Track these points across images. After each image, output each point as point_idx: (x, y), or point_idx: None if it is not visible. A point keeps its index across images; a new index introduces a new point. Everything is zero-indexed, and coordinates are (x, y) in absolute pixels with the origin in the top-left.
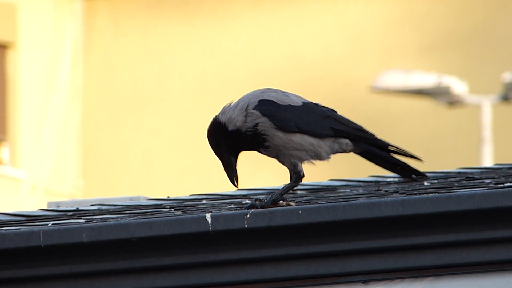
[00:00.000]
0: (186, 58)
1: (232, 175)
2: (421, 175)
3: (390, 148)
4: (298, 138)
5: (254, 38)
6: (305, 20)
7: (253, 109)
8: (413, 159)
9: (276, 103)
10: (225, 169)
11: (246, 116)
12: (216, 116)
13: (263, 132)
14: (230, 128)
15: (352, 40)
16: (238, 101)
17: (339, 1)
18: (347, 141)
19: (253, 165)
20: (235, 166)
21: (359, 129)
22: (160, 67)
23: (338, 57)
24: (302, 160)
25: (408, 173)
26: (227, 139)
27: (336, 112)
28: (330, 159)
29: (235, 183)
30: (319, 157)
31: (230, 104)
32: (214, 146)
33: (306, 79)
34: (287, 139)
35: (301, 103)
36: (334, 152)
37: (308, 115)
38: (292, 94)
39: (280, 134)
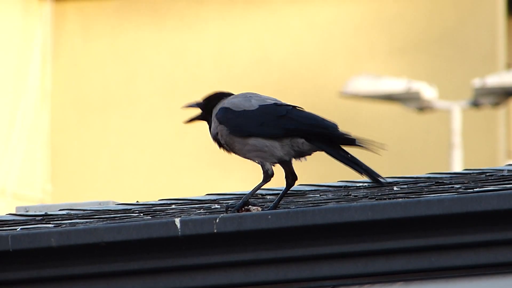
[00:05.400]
0: (155, 62)
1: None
2: (380, 182)
3: (357, 143)
4: (253, 141)
5: (223, 41)
6: (274, 24)
7: (216, 117)
8: (375, 147)
9: (231, 109)
10: None
11: (214, 124)
12: None
13: (224, 138)
14: (213, 136)
15: (321, 44)
16: None
17: (308, 5)
18: (302, 140)
19: (221, 168)
20: None
21: (316, 124)
22: (129, 71)
23: (307, 62)
24: (266, 161)
25: (372, 176)
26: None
27: (300, 109)
28: (299, 162)
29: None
30: (278, 158)
31: None
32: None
33: (275, 84)
34: (243, 143)
35: (257, 106)
36: (294, 153)
37: (261, 118)
38: (258, 97)
39: (237, 139)
